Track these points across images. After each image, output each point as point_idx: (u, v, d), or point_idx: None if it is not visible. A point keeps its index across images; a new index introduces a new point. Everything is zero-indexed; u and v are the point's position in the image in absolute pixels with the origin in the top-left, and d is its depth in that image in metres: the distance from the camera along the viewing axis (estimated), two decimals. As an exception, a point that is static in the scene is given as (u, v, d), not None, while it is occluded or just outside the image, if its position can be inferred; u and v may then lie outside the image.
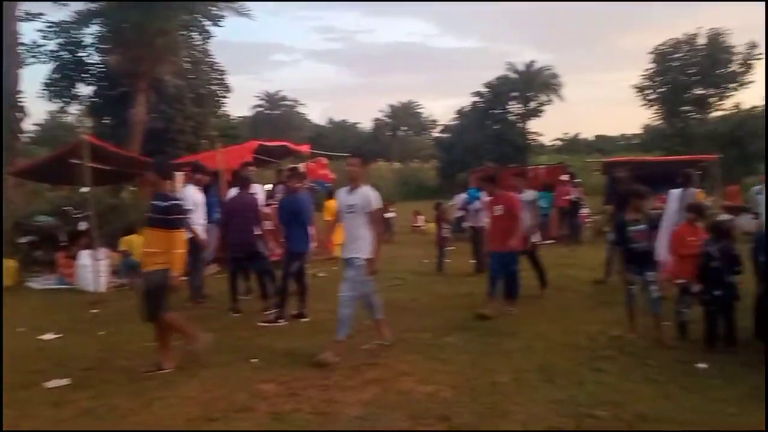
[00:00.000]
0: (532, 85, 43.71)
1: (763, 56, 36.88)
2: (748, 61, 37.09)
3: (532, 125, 44.98)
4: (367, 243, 5.76)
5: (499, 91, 43.16)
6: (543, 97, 44.22)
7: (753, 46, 36.89)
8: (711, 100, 38.30)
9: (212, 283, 9.25)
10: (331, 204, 13.15)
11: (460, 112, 45.57)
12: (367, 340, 6.26)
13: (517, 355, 5.76)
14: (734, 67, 37.39)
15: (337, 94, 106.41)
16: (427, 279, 10.51)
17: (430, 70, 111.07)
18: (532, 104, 44.37)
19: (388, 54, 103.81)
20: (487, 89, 43.79)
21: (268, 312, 7.51)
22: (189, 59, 22.02)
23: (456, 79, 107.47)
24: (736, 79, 37.47)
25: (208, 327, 7.02)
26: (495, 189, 7.87)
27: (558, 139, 64.52)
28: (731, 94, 37.85)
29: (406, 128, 67.84)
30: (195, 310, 8.10)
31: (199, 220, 8.21)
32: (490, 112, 43.31)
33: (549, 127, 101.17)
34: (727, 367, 5.28)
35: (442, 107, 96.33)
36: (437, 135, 54.07)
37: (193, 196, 8.29)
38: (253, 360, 5.76)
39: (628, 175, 9.58)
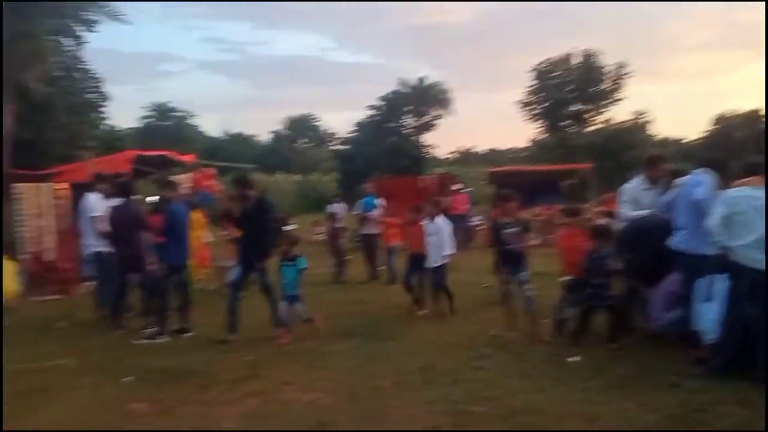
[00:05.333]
0: (424, 99, 44.97)
1: (631, 75, 40.29)
2: (618, 80, 40.28)
3: (427, 138, 46.27)
4: None
5: (393, 105, 44.03)
6: (435, 112, 45.66)
7: (621, 66, 40.17)
8: (587, 115, 41.19)
9: (87, 300, 8.64)
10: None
11: (358, 125, 46.02)
12: (250, 352, 6.10)
13: (400, 358, 5.82)
14: (606, 85, 40.46)
15: (232, 106, 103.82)
16: (321, 289, 10.41)
17: (327, 83, 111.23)
18: (426, 118, 45.63)
19: (284, 67, 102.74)
20: (382, 103, 44.55)
21: (147, 328, 7.12)
22: (60, 66, 20.59)
23: (352, 92, 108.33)
24: (608, 96, 40.57)
25: (81, 346, 6.64)
26: None
27: (453, 152, 66.70)
28: (604, 109, 40.96)
29: (305, 141, 67.46)
30: (70, 329, 7.60)
31: (104, 230, 7.73)
32: (385, 125, 44.07)
33: (444, 140, 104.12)
34: (597, 360, 5.60)
35: (340, 120, 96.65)
36: (336, 147, 54.19)
37: (96, 206, 7.93)
38: (126, 379, 5.42)
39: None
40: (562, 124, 41.14)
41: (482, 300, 8.54)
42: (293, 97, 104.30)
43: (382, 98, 44.71)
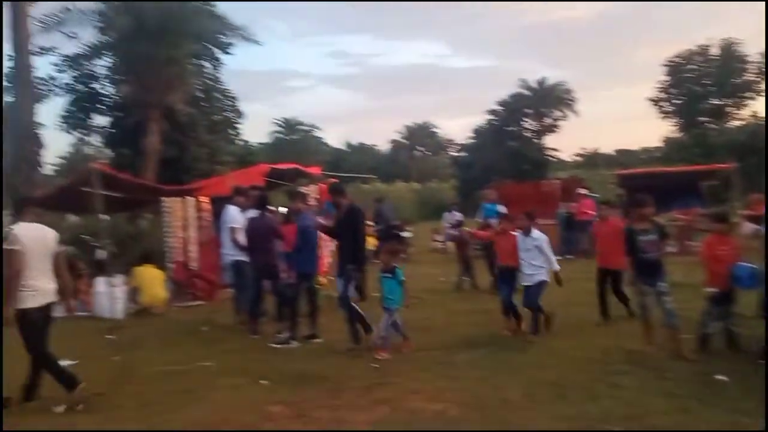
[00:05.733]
0: (546, 101, 43.65)
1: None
2: (762, 70, 36.75)
3: (550, 141, 44.84)
4: None
5: (513, 108, 43.15)
6: (558, 113, 44.14)
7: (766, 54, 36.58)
8: (728, 109, 37.95)
9: (227, 306, 9.25)
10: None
11: (477, 131, 45.64)
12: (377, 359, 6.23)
13: (529, 370, 5.67)
14: (749, 75, 37.07)
15: (353, 118, 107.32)
16: (444, 297, 10.41)
17: (444, 90, 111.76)
18: (548, 120, 44.25)
19: (402, 76, 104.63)
20: (501, 107, 43.83)
21: (280, 333, 7.49)
22: (201, 87, 22.38)
23: (470, 98, 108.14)
24: (752, 88, 37.13)
25: (221, 349, 7.11)
26: None
27: (577, 154, 64.16)
28: (747, 103, 37.56)
29: (423, 148, 68.02)
30: (211, 333, 8.17)
31: (241, 240, 8.28)
32: (505, 129, 43.28)
33: (567, 143, 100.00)
34: (747, 378, 5.13)
35: (457, 126, 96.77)
36: (455, 154, 54.12)
37: (236, 218, 8.49)
38: (263, 381, 5.74)
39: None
40: (699, 120, 38.20)
41: (615, 312, 8.09)
42: (411, 106, 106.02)
43: (501, 102, 44.00)
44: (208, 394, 5.43)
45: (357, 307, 7.04)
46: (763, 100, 37.22)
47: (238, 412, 4.93)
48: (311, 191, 12.63)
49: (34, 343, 5.28)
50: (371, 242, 11.15)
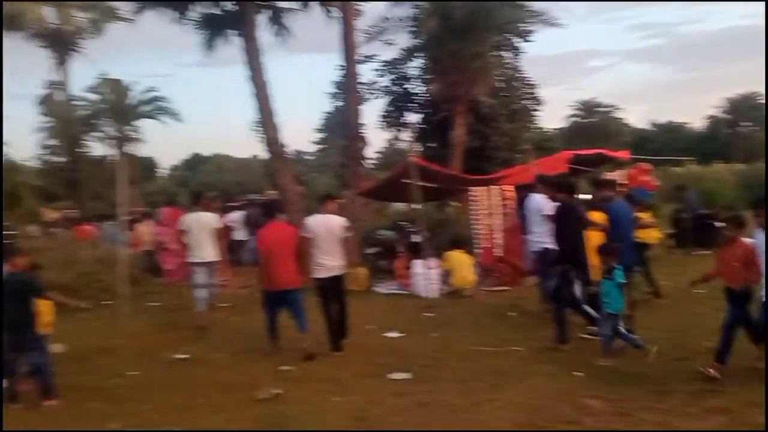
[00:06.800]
0: None
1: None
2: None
3: None
4: None
5: None
6: None
7: None
8: None
9: (532, 293, 9.32)
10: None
11: (825, 98, 37.42)
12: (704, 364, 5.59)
13: None
14: None
15: (660, 94, 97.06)
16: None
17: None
18: None
19: (718, 43, 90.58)
20: None
21: (591, 325, 7.26)
22: (501, 78, 22.81)
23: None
24: None
25: (529, 335, 7.23)
26: None
27: None
28: None
29: (749, 123, 58.52)
30: (518, 318, 8.35)
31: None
32: None
33: None
34: None
35: (796, 94, 79.94)
36: (793, 127, 45.25)
37: (544, 206, 8.55)
38: (576, 373, 5.65)
39: None
40: None
41: None
42: (732, 76, 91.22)
43: None
44: (523, 379, 5.56)
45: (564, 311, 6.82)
46: None
47: (554, 400, 4.94)
48: (618, 177, 11.94)
49: (321, 301, 6.87)
50: (653, 236, 9.94)
